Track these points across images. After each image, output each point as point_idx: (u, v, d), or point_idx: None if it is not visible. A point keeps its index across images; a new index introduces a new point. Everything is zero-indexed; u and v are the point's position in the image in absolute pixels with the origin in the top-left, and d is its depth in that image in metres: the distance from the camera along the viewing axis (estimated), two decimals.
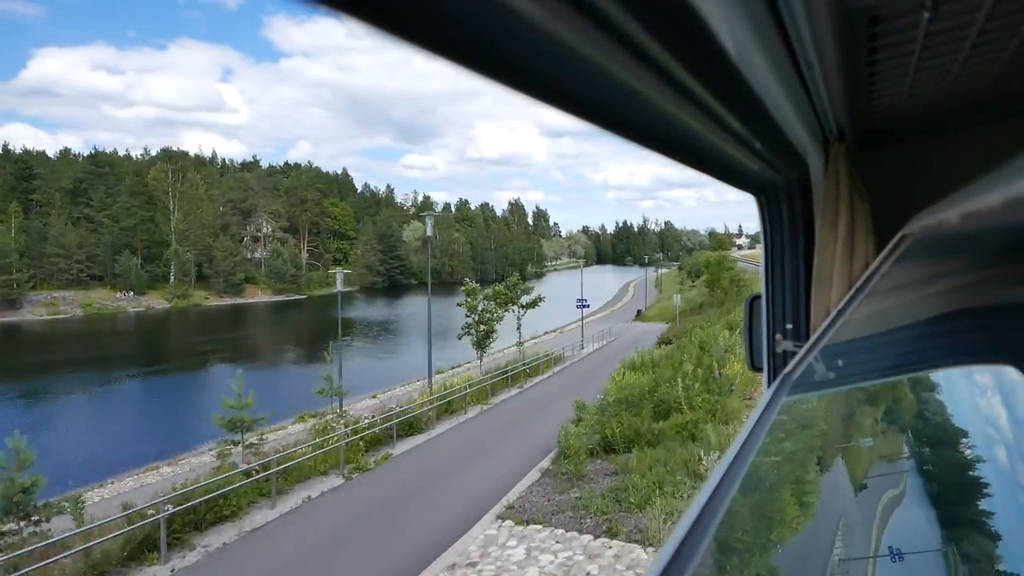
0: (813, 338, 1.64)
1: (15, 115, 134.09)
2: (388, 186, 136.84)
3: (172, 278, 79.62)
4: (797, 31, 0.81)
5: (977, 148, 1.62)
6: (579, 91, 0.57)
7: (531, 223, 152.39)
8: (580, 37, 0.45)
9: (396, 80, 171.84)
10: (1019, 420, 0.71)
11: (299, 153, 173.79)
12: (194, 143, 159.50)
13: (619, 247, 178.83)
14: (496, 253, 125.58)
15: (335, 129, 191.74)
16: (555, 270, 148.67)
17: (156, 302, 75.75)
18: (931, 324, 1.09)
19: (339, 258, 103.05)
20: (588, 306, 44.81)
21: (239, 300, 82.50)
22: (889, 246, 1.60)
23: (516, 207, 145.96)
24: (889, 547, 0.85)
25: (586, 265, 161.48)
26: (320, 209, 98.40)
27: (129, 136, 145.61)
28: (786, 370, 1.63)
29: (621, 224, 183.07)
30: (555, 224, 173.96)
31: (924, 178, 1.94)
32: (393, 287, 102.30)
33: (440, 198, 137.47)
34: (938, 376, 1.08)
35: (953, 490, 0.84)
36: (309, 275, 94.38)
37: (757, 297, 2.19)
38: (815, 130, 1.56)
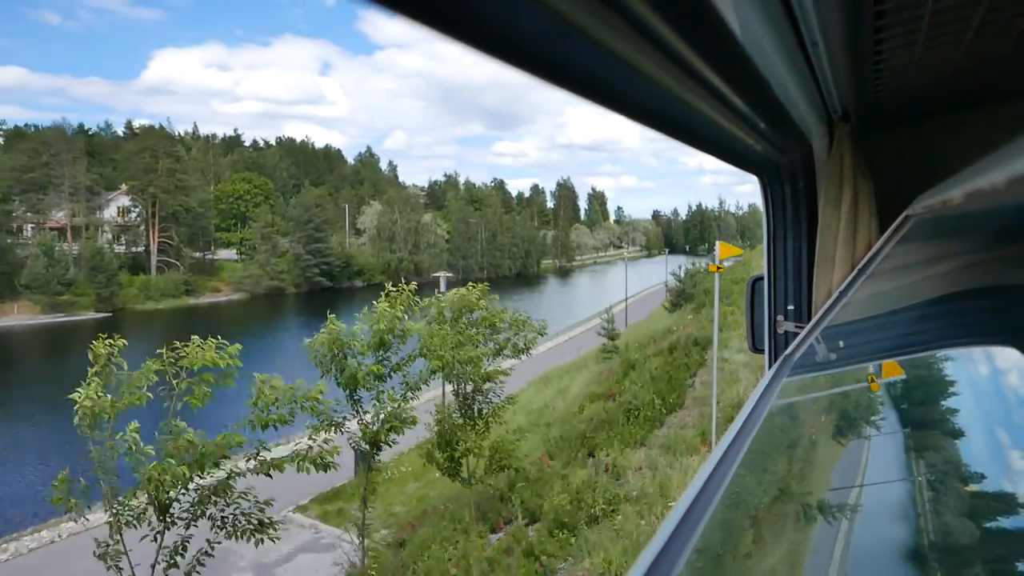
0: (815, 319, 1.65)
1: (139, 112, 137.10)
2: (390, 162, 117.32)
3: None
4: (803, 10, 0.78)
5: (982, 128, 1.57)
6: (578, 68, 0.54)
7: (586, 207, 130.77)
8: (581, 12, 0.43)
9: (484, 68, 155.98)
10: (1019, 400, 0.72)
11: (394, 142, 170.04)
12: (297, 135, 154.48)
13: (692, 233, 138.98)
14: (489, 244, 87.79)
15: (428, 118, 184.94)
16: (598, 263, 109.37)
17: None
18: (933, 305, 1.10)
19: (247, 253, 69.28)
20: None
21: None
22: (892, 227, 1.59)
23: (564, 188, 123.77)
24: (888, 523, 0.85)
25: (649, 256, 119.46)
26: (175, 183, 63.37)
27: (237, 131, 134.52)
28: (787, 351, 1.64)
29: (695, 207, 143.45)
30: (619, 208, 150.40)
31: (928, 158, 1.90)
32: (319, 292, 66.82)
33: (525, 185, 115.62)
34: (939, 356, 1.08)
35: (954, 469, 0.84)
36: (149, 280, 60.32)
37: (759, 278, 2.14)
38: (819, 110, 1.54)
